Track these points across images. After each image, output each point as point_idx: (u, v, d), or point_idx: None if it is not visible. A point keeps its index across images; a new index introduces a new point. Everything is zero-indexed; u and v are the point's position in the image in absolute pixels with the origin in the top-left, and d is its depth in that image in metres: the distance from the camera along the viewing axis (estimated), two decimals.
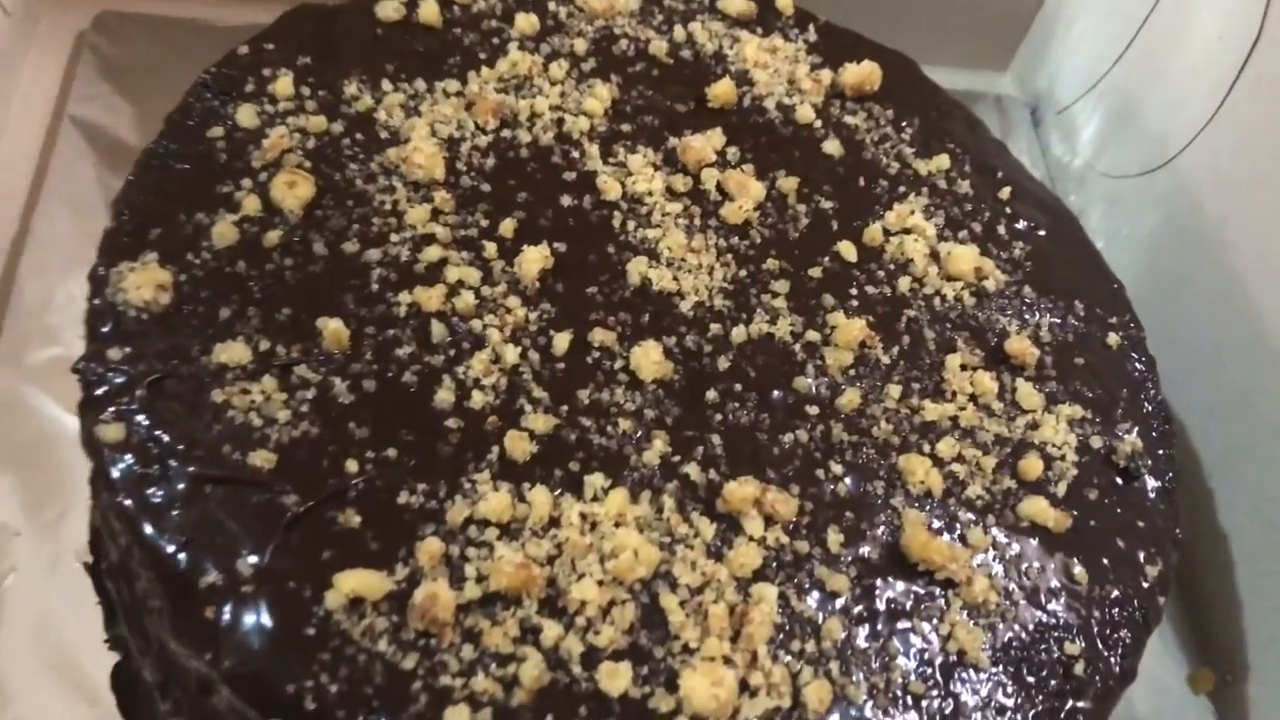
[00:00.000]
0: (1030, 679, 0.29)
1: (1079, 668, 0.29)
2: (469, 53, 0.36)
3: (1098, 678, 0.29)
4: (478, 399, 0.29)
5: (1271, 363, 0.41)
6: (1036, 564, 0.30)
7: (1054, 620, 0.30)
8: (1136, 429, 0.34)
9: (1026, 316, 0.35)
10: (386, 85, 0.35)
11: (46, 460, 0.39)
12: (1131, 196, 0.49)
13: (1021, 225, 0.38)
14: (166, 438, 0.27)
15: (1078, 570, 0.31)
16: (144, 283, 0.29)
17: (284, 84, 0.34)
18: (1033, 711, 0.28)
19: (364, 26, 0.36)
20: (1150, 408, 0.35)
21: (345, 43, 0.36)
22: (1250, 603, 0.41)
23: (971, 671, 0.28)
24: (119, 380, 0.28)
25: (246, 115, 0.33)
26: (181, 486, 0.26)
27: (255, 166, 0.32)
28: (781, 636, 0.27)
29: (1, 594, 0.36)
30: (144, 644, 0.30)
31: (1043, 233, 0.38)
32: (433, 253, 0.31)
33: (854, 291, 0.34)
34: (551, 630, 0.26)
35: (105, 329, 0.29)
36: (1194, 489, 0.43)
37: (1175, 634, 0.42)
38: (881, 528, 0.30)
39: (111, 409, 0.27)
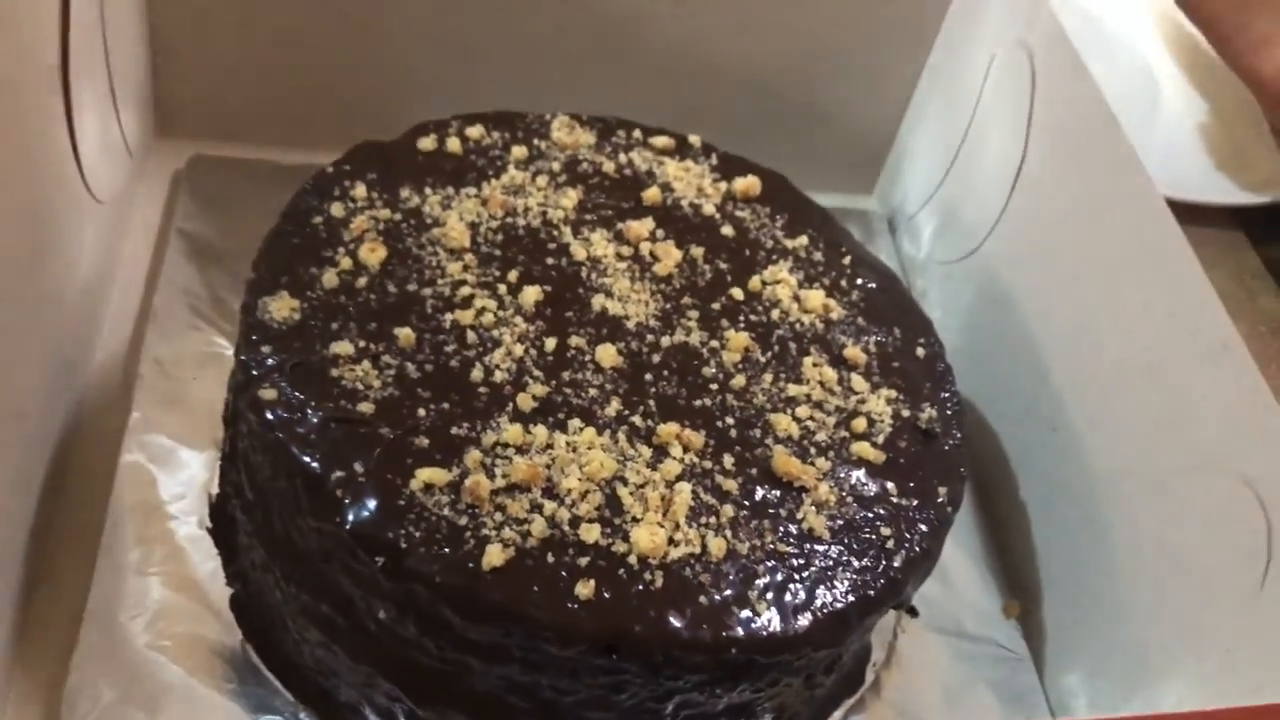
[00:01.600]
0: (857, 548, 0.44)
1: (890, 544, 0.45)
2: (481, 170, 0.54)
3: (904, 550, 0.45)
4: (498, 376, 0.45)
5: (1044, 379, 0.58)
6: (863, 481, 0.47)
7: (874, 515, 0.46)
8: (935, 407, 0.51)
9: (860, 336, 0.52)
10: (428, 191, 0.52)
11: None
12: (957, 275, 0.67)
13: (859, 281, 0.55)
14: (303, 396, 0.43)
15: (891, 486, 0.47)
16: (281, 307, 0.45)
17: (360, 190, 0.51)
18: (859, 565, 0.44)
19: (410, 154, 0.54)
20: (946, 395, 0.52)
21: (397, 165, 0.53)
22: (1040, 552, 0.57)
23: (817, 543, 0.44)
24: (269, 363, 0.44)
25: (337, 209, 0.50)
26: (315, 423, 0.42)
27: (346, 240, 0.49)
28: (693, 514, 0.43)
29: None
30: (272, 551, 0.45)
31: (873, 285, 0.55)
32: (464, 291, 0.48)
33: (741, 319, 0.51)
34: (550, 506, 0.41)
35: (255, 337, 0.45)
36: (1002, 476, 0.60)
37: (992, 574, 0.58)
38: (760, 455, 0.46)
39: (267, 382, 0.43)
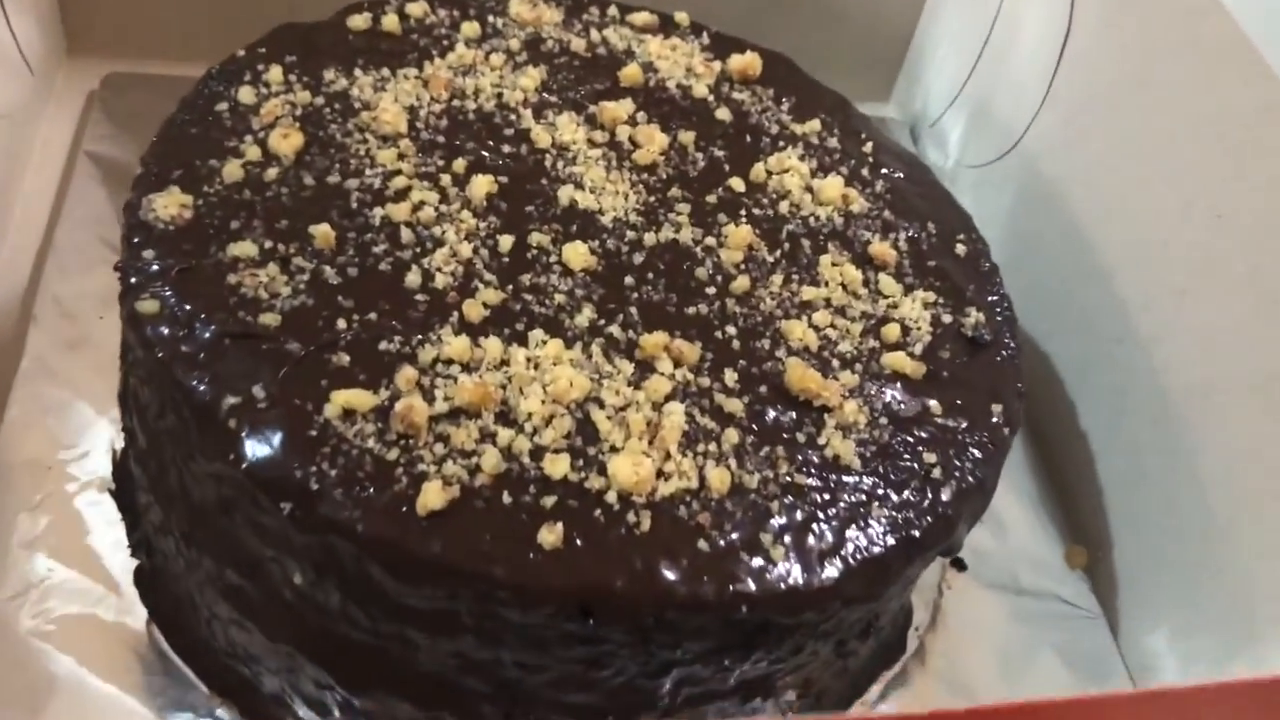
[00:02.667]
0: (895, 479, 0.36)
1: (936, 473, 0.36)
2: (424, 49, 0.45)
3: (953, 481, 0.36)
4: (440, 281, 0.36)
5: (1104, 286, 0.49)
6: (899, 398, 0.38)
7: (913, 438, 0.37)
8: (982, 311, 0.42)
9: (888, 231, 0.43)
10: (358, 72, 0.43)
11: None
12: (992, 180, 0.58)
13: (883, 170, 0.46)
14: (191, 307, 0.34)
15: (933, 404, 0.38)
16: (170, 204, 0.36)
17: (275, 72, 0.42)
18: (899, 500, 0.35)
19: (338, 35, 0.45)
20: (994, 299, 0.43)
21: (323, 46, 0.44)
22: (1108, 489, 0.48)
23: (845, 473, 0.35)
24: (153, 269, 0.35)
25: (245, 94, 0.41)
26: (206, 338, 0.33)
27: (255, 128, 0.40)
28: (688, 441, 0.34)
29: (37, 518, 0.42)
30: (168, 507, 0.36)
31: (900, 175, 0.46)
32: (399, 182, 0.39)
33: (743, 213, 0.42)
34: (505, 434, 0.33)
35: (138, 239, 0.36)
36: (1058, 397, 0.51)
37: (1050, 518, 0.49)
38: (769, 369, 0.37)
39: (148, 291, 0.34)
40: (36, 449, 0.43)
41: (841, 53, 0.65)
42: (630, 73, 0.45)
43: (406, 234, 0.37)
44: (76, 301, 0.48)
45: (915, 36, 0.66)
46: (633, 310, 0.37)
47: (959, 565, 0.46)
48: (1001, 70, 0.58)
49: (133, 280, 0.35)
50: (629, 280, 0.38)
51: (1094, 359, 0.49)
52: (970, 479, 0.37)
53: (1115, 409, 0.48)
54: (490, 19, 0.47)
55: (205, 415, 0.32)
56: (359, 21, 0.45)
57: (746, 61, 0.48)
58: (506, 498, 0.31)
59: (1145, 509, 0.46)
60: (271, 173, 0.38)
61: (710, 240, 0.40)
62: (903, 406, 0.37)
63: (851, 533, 0.34)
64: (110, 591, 0.40)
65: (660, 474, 0.33)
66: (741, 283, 0.39)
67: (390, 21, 0.45)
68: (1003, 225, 0.56)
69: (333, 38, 0.45)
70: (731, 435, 0.34)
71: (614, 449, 0.33)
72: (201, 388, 0.32)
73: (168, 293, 0.34)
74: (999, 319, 0.42)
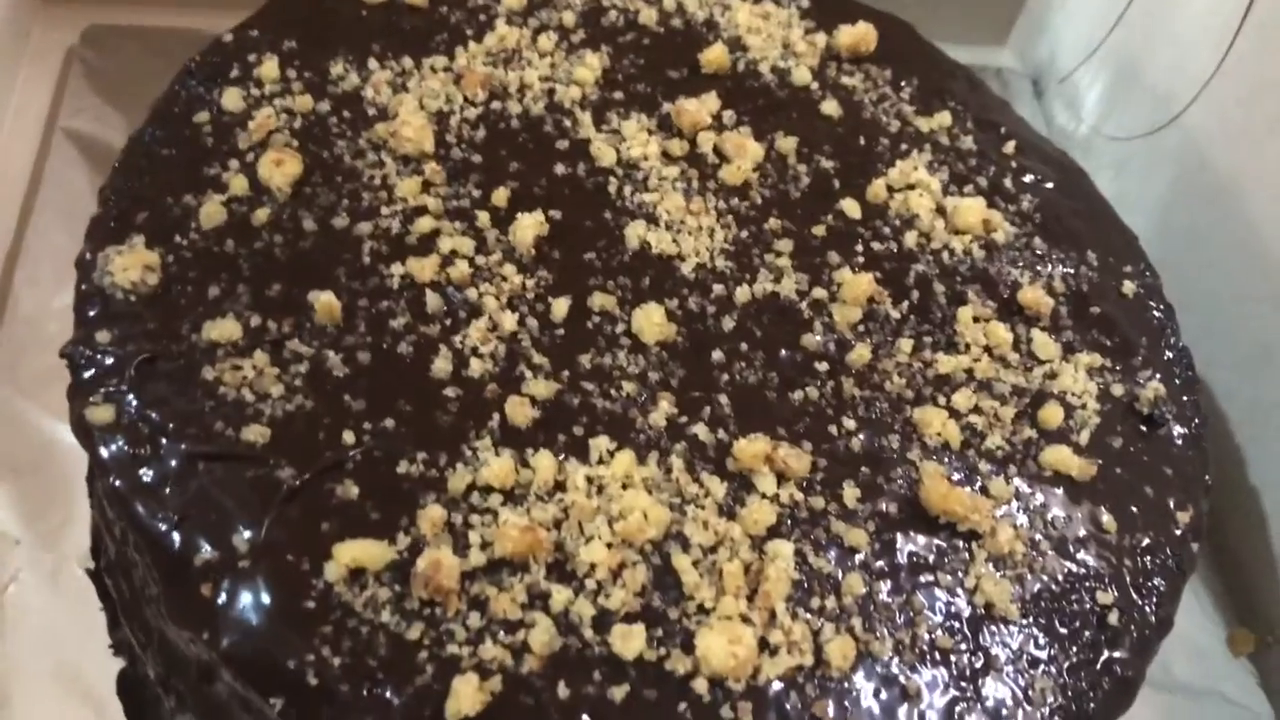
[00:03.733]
0: (1063, 630, 0.28)
1: (1113, 617, 0.28)
2: (456, 29, 0.36)
3: (1133, 627, 0.28)
4: (476, 367, 0.28)
5: None
6: (1063, 513, 0.29)
7: (1084, 570, 0.29)
8: (1158, 376, 0.33)
9: (1039, 268, 0.34)
10: (373, 64, 0.34)
11: (46, 470, 0.38)
12: (1140, 157, 0.48)
13: (1028, 179, 0.37)
14: (157, 417, 0.26)
15: (1106, 518, 0.30)
16: (131, 265, 0.28)
17: (269, 67, 0.33)
18: (1068, 664, 0.27)
19: (350, 9, 0.36)
20: (1171, 355, 0.34)
21: (331, 25, 0.35)
22: None
23: (1001, 625, 0.27)
24: (108, 362, 0.27)
25: (232, 99, 0.33)
26: (174, 464, 0.26)
27: (242, 148, 0.31)
28: (800, 594, 0.26)
29: (2, 604, 0.35)
30: (145, 638, 0.29)
31: (1050, 185, 0.37)
32: (425, 224, 0.30)
33: (859, 248, 0.33)
34: (561, 595, 0.25)
35: (93, 313, 0.28)
36: (1221, 445, 0.42)
37: (1210, 595, 0.41)
38: (899, 481, 0.29)
39: (101, 391, 0.27)
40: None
41: None
42: (714, 56, 0.36)
43: (433, 300, 0.29)
44: (47, 323, 0.41)
45: None
46: (722, 400, 0.29)
47: None
48: (1160, 23, 0.48)
49: (84, 375, 0.27)
50: (717, 356, 0.30)
51: (1272, 396, 0.40)
52: (1153, 619, 0.29)
53: None
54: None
55: (174, 572, 0.25)
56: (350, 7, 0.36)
57: (859, 34, 0.38)
58: (563, 690, 0.24)
59: None
60: (261, 214, 0.30)
61: (819, 292, 0.32)
62: (1069, 524, 0.29)
63: (1013, 713, 0.26)
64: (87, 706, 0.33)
65: (765, 646, 0.25)
66: (861, 353, 0.30)
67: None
68: (1153, 217, 0.46)
69: (342, 15, 0.36)
70: (855, 583, 0.26)
71: (703, 610, 0.25)
72: (169, 534, 0.25)
73: (127, 394, 0.27)
74: (1178, 383, 0.33)
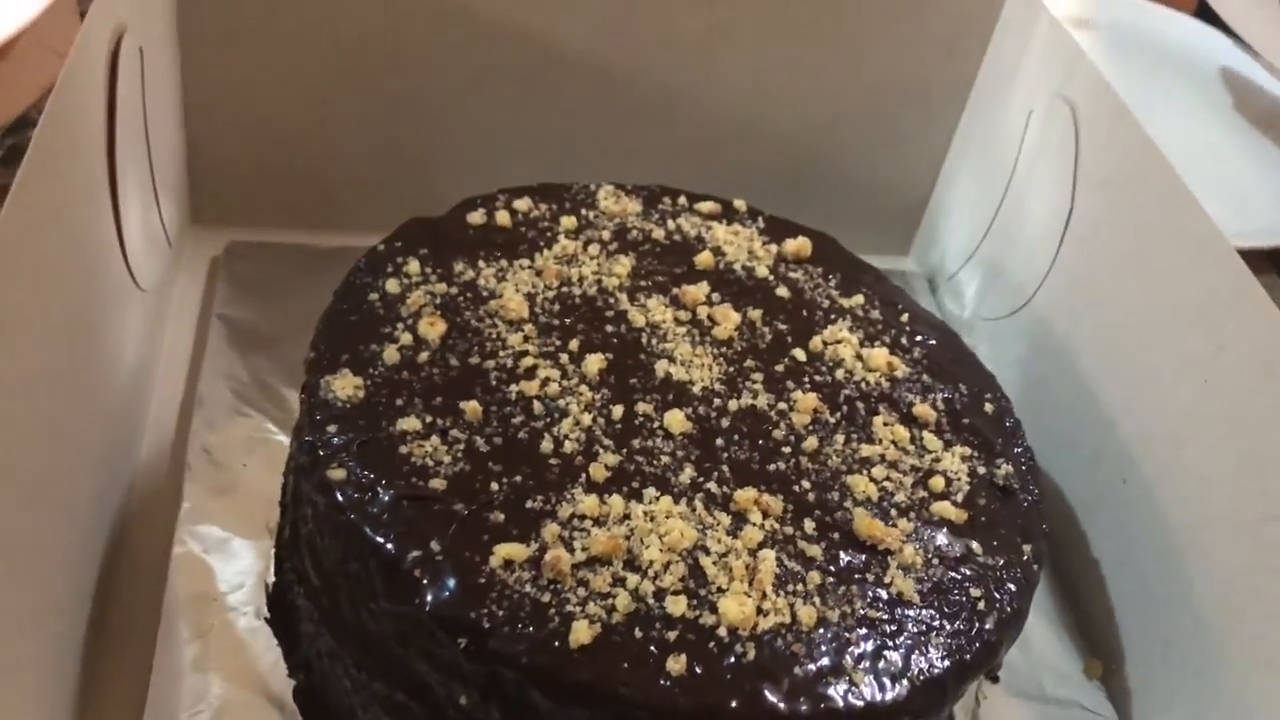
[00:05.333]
0: (948, 610, 0.43)
1: (981, 604, 0.43)
2: (532, 242, 0.53)
3: (995, 610, 0.43)
4: (568, 446, 0.44)
5: (1109, 432, 0.56)
6: (946, 542, 0.45)
7: (961, 575, 0.44)
8: (1009, 463, 0.49)
9: (927, 394, 0.51)
10: (481, 264, 0.51)
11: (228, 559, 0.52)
12: (1006, 332, 0.66)
13: (919, 337, 0.54)
14: (373, 475, 0.42)
15: (975, 546, 0.45)
16: (344, 385, 0.44)
17: (413, 265, 0.50)
18: (951, 630, 0.42)
19: (459, 229, 0.53)
20: (1019, 450, 0.50)
21: (448, 240, 0.52)
22: (1119, 610, 0.56)
23: (908, 608, 0.42)
24: (337, 442, 0.43)
25: (392, 285, 0.49)
26: (386, 501, 0.41)
27: (404, 315, 0.48)
28: (779, 582, 0.41)
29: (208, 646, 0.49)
30: (342, 634, 0.43)
31: (934, 342, 0.54)
32: (527, 361, 0.47)
33: (806, 380, 0.50)
34: (633, 579, 0.40)
35: (320, 416, 0.44)
36: (1070, 532, 0.58)
37: (1070, 635, 0.56)
38: (840, 518, 0.44)
39: (335, 462, 0.42)
40: (201, 583, 0.50)
41: (866, 214, 0.74)
42: (704, 258, 0.54)
43: (538, 407, 0.45)
44: (222, 450, 0.56)
45: (931, 200, 0.75)
46: (724, 468, 0.45)
47: (993, 678, 0.53)
48: (1013, 234, 0.67)
49: (320, 453, 0.42)
50: (719, 442, 0.46)
51: (1102, 495, 0.57)
52: (1009, 609, 0.44)
53: (1122, 541, 0.55)
54: (583, 212, 0.55)
55: (390, 566, 0.40)
56: (476, 218, 0.54)
57: (799, 245, 0.56)
58: (638, 632, 0.39)
59: (1150, 627, 0.53)
60: (423, 356, 0.46)
61: (782, 405, 0.48)
62: (950, 548, 0.45)
63: (915, 658, 0.41)
64: (275, 709, 0.47)
65: (759, 611, 0.40)
66: (811, 442, 0.47)
67: (502, 217, 0.54)
68: (1017, 372, 0.64)
69: (456, 231, 0.53)
70: (814, 577, 0.42)
71: (721, 590, 0.40)
72: (388, 545, 0.40)
73: (352, 463, 0.42)
74: (1024, 468, 0.50)
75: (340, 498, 0.41)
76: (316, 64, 0.63)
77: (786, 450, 0.46)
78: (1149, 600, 0.53)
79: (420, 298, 0.49)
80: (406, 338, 0.47)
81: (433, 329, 0.47)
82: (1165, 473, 0.53)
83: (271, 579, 0.50)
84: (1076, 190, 0.60)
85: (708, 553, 0.41)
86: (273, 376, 0.59)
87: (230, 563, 0.51)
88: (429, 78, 0.65)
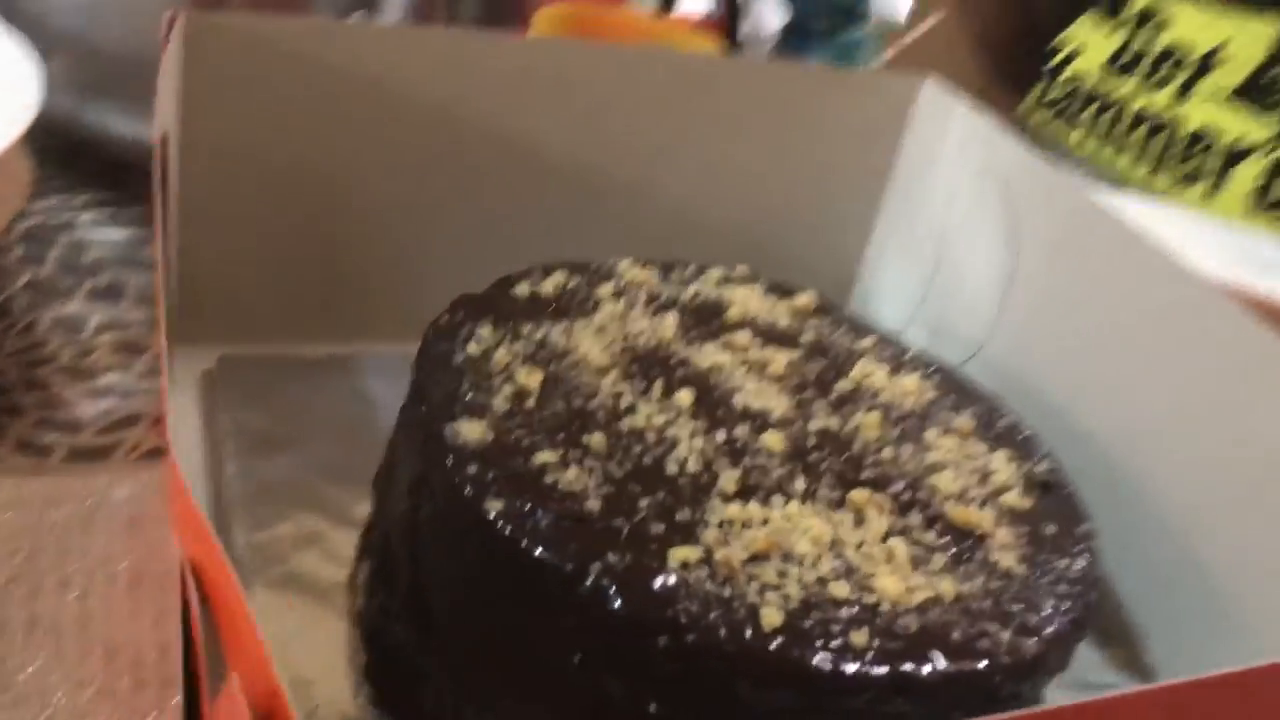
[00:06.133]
0: (1050, 579, 0.47)
1: (1073, 571, 0.48)
2: (581, 305, 0.56)
3: (1083, 573, 0.48)
4: (691, 467, 0.46)
5: (1087, 442, 0.63)
6: (1024, 525, 0.50)
7: (1049, 551, 0.49)
8: (1044, 461, 0.55)
9: (958, 410, 0.56)
10: (547, 324, 0.53)
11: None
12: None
13: (929, 368, 0.60)
14: (530, 502, 0.42)
15: (1047, 528, 0.50)
16: (472, 429, 0.45)
17: (486, 329, 0.52)
18: (1059, 592, 0.47)
19: (509, 300, 0.55)
20: (1045, 453, 0.56)
21: (504, 309, 0.54)
22: (1130, 598, 0.62)
23: (1018, 580, 0.46)
24: (487, 478, 0.43)
25: (473, 349, 0.50)
26: (548, 524, 0.42)
27: (496, 371, 0.49)
28: (914, 564, 0.45)
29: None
30: (503, 682, 0.43)
31: (940, 371, 0.60)
32: (626, 400, 0.49)
33: (861, 404, 0.54)
34: (794, 570, 0.42)
35: (454, 460, 0.44)
36: None
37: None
38: (937, 510, 0.48)
39: (488, 495, 0.43)
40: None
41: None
42: (734, 313, 0.58)
43: (650, 436, 0.47)
44: (272, 547, 0.54)
45: (862, 277, 0.82)
46: (828, 476, 0.48)
47: None
48: (952, 297, 0.74)
49: (468, 490, 0.43)
50: (813, 457, 0.49)
51: (1096, 502, 0.63)
52: (1095, 574, 0.49)
53: (1122, 538, 0.62)
54: (613, 280, 0.59)
55: (573, 581, 0.40)
56: (522, 289, 0.56)
57: (807, 299, 0.62)
58: (815, 614, 0.41)
59: (1167, 606, 0.59)
60: (530, 403, 0.48)
61: (849, 426, 0.52)
62: (1030, 530, 0.50)
63: (1041, 619, 0.45)
64: None
65: (908, 589, 0.43)
66: (888, 453, 0.51)
67: (546, 288, 0.56)
68: None
69: (506, 303, 0.55)
70: (938, 559, 0.45)
71: (870, 575, 0.43)
72: (566, 564, 0.41)
73: (505, 495, 0.43)
74: (1054, 467, 0.55)
75: (504, 527, 0.42)
76: (303, 177, 0.65)
77: (870, 460, 0.50)
78: (1158, 582, 0.60)
79: (505, 355, 0.50)
80: (508, 388, 0.48)
81: (531, 378, 0.49)
82: (1152, 467, 0.60)
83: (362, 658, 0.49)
84: (1013, 245, 0.69)
85: (846, 544, 0.44)
86: (307, 474, 0.58)
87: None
88: (416, 184, 0.67)
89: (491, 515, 0.42)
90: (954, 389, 0.59)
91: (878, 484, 0.49)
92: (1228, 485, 0.56)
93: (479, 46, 0.68)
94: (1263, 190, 0.83)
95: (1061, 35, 0.98)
